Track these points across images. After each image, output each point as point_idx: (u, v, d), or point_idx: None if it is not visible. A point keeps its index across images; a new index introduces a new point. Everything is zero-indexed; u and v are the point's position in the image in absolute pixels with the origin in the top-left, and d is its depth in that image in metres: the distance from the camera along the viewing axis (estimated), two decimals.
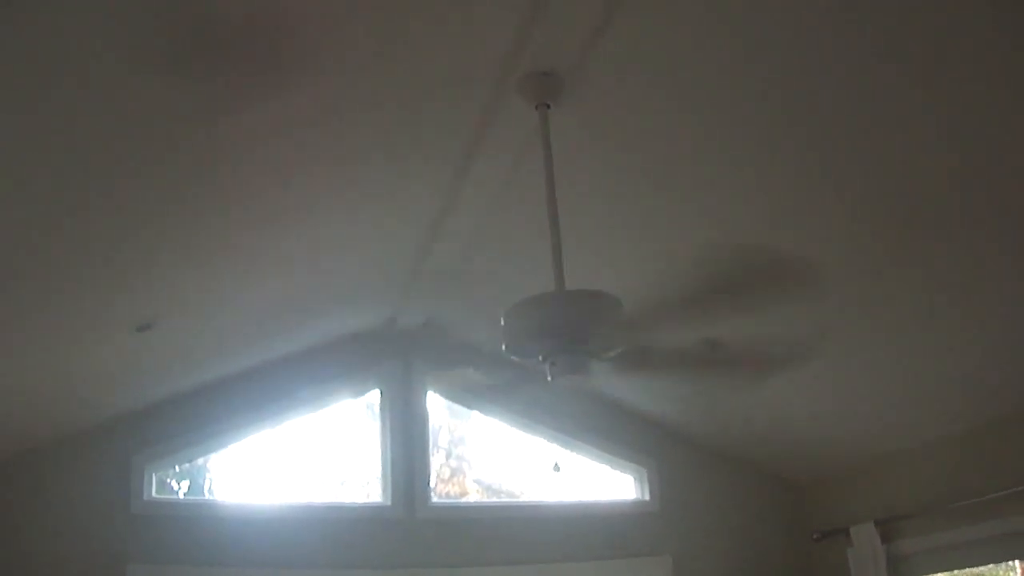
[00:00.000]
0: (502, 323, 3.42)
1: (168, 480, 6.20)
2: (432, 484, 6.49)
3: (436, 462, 6.74)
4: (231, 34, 2.90)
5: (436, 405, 6.77)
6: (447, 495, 6.84)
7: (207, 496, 6.32)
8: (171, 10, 2.69)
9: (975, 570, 5.81)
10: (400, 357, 6.54)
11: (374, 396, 6.64)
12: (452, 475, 6.98)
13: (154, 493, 5.93)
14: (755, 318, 4.59)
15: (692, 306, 4.00)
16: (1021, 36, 3.07)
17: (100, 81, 2.86)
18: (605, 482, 6.97)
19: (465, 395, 6.67)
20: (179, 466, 6.24)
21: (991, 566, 5.69)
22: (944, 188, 3.92)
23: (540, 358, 3.42)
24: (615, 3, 3.21)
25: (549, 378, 3.41)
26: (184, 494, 6.30)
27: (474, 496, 6.94)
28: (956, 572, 5.83)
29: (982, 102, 3.40)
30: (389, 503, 6.28)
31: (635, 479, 6.94)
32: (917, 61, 3.27)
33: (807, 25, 3.23)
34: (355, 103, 3.62)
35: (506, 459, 7.02)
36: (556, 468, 6.64)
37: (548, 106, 3.67)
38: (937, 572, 5.84)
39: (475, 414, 6.96)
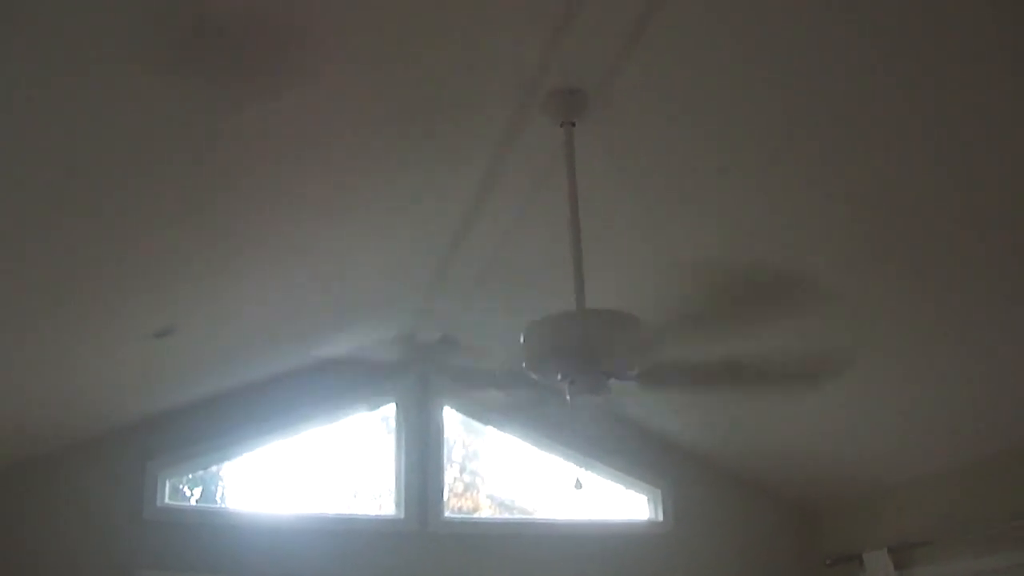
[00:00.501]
0: (522, 340, 3.41)
1: (181, 487, 6.20)
2: (445, 498, 6.48)
3: (449, 476, 6.73)
4: (253, 43, 2.91)
5: (451, 419, 6.76)
6: (460, 510, 6.82)
7: (219, 504, 6.31)
8: (203, 16, 2.70)
9: None
10: (417, 371, 6.53)
11: (389, 409, 6.64)
12: (465, 490, 6.96)
13: (167, 499, 5.94)
14: (773, 340, 4.58)
15: (713, 326, 3.99)
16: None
17: (115, 84, 2.86)
18: (619, 502, 6.95)
19: (480, 410, 6.67)
20: (192, 473, 6.24)
21: None
22: (965, 219, 3.92)
23: (559, 377, 3.40)
24: (642, 23, 3.21)
25: (568, 397, 3.40)
26: (196, 501, 6.29)
27: (487, 512, 6.92)
28: None
29: (989, 119, 3.40)
30: (402, 516, 6.28)
31: (649, 500, 6.91)
32: (936, 84, 3.27)
33: (834, 49, 3.23)
34: (380, 116, 3.62)
35: (520, 475, 7.00)
36: (578, 485, 6.60)
37: (573, 124, 3.66)
38: None
39: (490, 429, 6.94)
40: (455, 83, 3.51)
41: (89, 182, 3.32)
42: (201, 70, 2.95)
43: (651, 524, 6.84)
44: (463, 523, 6.60)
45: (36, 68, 2.66)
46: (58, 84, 2.76)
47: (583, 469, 6.78)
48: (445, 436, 6.61)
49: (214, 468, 6.31)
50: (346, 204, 4.28)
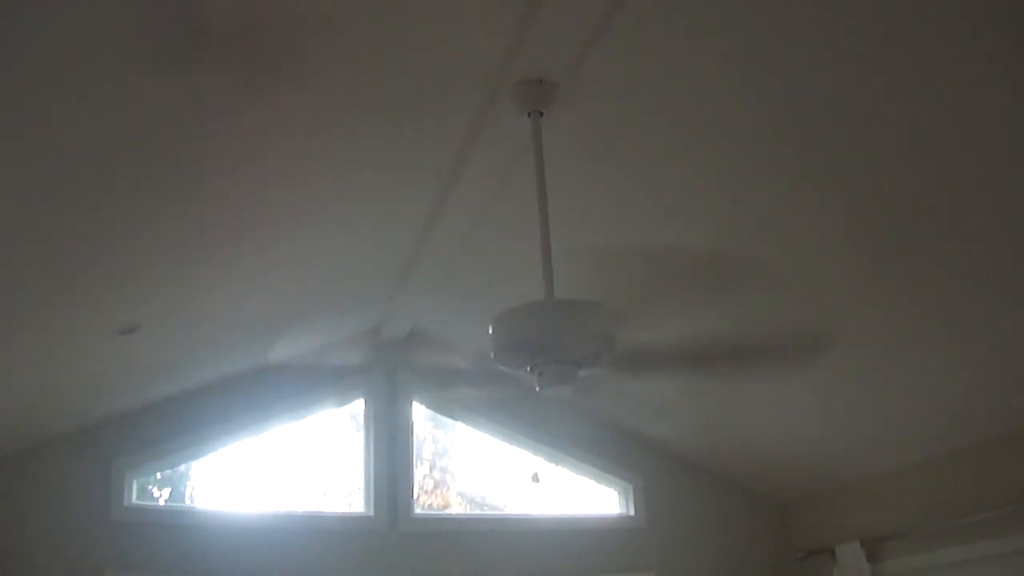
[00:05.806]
0: (490, 332, 3.38)
1: (149, 487, 6.14)
2: (415, 496, 6.45)
3: (419, 474, 6.69)
4: (219, 40, 2.87)
5: (420, 416, 6.72)
6: (430, 507, 6.79)
7: (188, 504, 6.25)
8: (161, 10, 2.65)
9: None
10: (385, 367, 6.50)
11: (358, 406, 6.59)
12: (435, 487, 6.93)
13: (134, 499, 5.87)
14: (744, 326, 4.58)
15: (684, 313, 3.97)
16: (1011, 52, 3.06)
17: (89, 82, 2.82)
18: (590, 496, 6.93)
19: (450, 406, 6.64)
20: (161, 473, 6.18)
21: None
22: (936, 206, 3.91)
23: (528, 368, 3.37)
24: (610, 13, 3.19)
25: (537, 388, 3.37)
26: (165, 501, 6.23)
27: (457, 508, 6.89)
28: None
29: (973, 114, 3.39)
30: (372, 514, 6.24)
31: (620, 494, 6.90)
32: (905, 71, 3.26)
33: (796, 39, 3.22)
34: (347, 109, 3.59)
35: (490, 472, 6.97)
36: (535, 478, 6.59)
37: (541, 114, 3.63)
38: None
39: (460, 426, 6.90)
40: (420, 73, 3.47)
41: (64, 182, 3.27)
42: (178, 71, 2.91)
43: (623, 518, 6.82)
44: (433, 520, 6.57)
45: (24, 68, 2.62)
46: (42, 85, 2.72)
47: (554, 464, 6.76)
48: (415, 433, 6.57)
49: (182, 468, 6.24)
50: (313, 200, 4.24)
